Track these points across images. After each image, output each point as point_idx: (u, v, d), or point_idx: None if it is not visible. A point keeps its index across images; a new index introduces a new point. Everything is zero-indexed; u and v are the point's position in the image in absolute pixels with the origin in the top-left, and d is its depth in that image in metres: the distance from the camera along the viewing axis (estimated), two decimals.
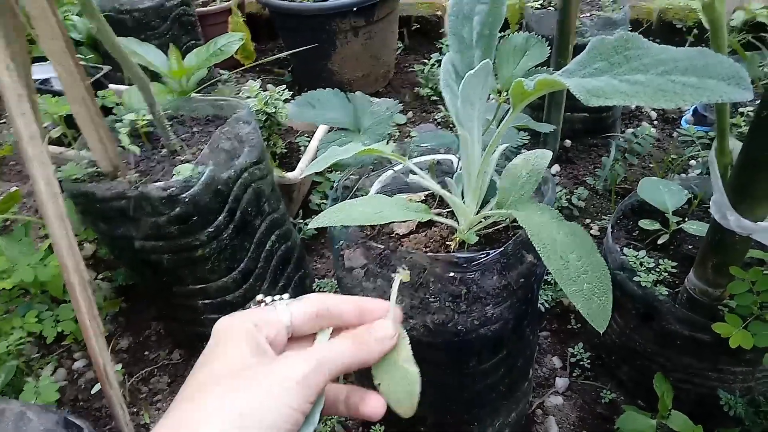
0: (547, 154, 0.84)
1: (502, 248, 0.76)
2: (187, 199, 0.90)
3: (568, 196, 1.52)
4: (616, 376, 1.11)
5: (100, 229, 0.98)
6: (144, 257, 0.98)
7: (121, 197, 0.89)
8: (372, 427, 0.98)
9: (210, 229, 0.96)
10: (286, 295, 0.43)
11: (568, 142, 1.69)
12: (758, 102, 0.68)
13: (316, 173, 1.58)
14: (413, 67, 2.14)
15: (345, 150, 0.83)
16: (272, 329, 0.40)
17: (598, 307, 0.67)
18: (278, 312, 0.41)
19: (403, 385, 0.42)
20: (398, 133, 1.82)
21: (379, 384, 0.42)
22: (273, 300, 0.42)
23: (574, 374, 1.14)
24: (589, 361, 1.14)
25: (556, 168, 1.63)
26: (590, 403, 1.09)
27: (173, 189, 0.88)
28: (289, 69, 2.10)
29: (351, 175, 1.02)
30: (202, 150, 0.97)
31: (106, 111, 1.35)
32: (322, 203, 1.51)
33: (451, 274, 0.77)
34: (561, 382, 1.13)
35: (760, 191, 0.71)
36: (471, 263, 0.76)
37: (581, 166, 1.63)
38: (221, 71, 2.07)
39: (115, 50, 0.87)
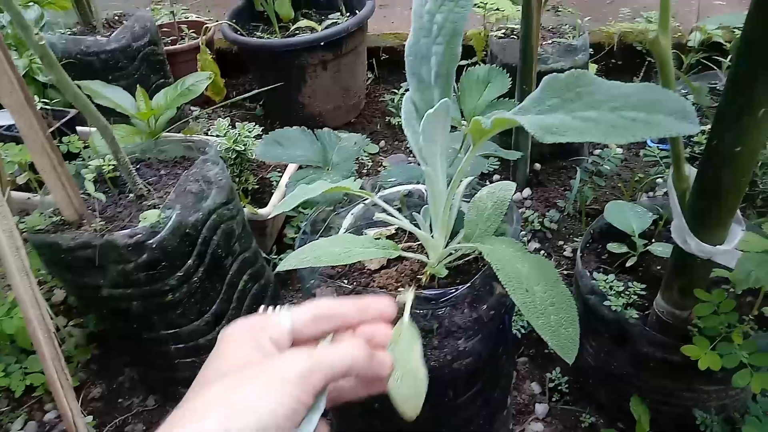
0: (511, 186, 0.85)
1: (469, 283, 0.76)
2: (154, 245, 0.89)
3: (540, 219, 1.53)
4: (595, 399, 1.12)
5: (67, 279, 0.97)
6: (113, 305, 0.96)
7: (87, 246, 0.88)
8: None
9: (179, 274, 0.95)
10: (286, 305, 0.44)
11: (537, 166, 1.72)
12: None
13: (304, 207, 1.58)
14: (384, 97, 2.16)
15: (312, 189, 0.83)
16: (275, 332, 0.41)
17: (566, 339, 0.68)
18: (280, 316, 0.42)
19: (411, 385, 0.43)
20: (371, 163, 1.83)
21: (389, 381, 0.43)
22: (273, 309, 0.43)
23: (554, 399, 1.14)
24: (567, 385, 1.14)
25: (527, 192, 1.65)
26: (570, 428, 1.09)
27: (139, 236, 0.88)
28: (261, 103, 2.10)
29: (322, 210, 1.02)
30: (169, 193, 0.97)
31: (72, 156, 1.34)
32: (297, 237, 1.50)
33: (422, 310, 0.77)
34: (540, 408, 1.12)
35: (716, 216, 0.73)
36: (440, 300, 0.76)
37: (552, 189, 1.66)
38: (192, 108, 2.07)
39: (76, 99, 0.87)
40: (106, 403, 1.22)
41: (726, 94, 0.64)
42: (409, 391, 0.43)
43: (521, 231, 1.54)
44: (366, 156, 1.84)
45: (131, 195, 1.01)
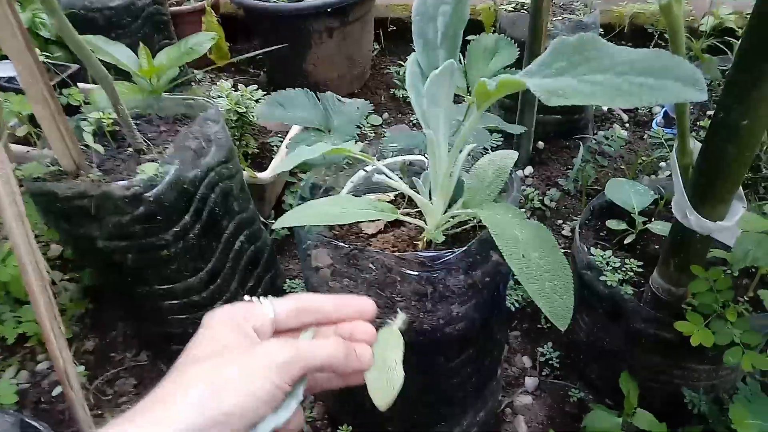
0: (513, 154, 0.85)
1: (465, 247, 0.76)
2: (151, 199, 0.88)
3: (541, 197, 1.53)
4: (585, 375, 1.12)
5: (63, 229, 0.96)
6: (108, 258, 0.96)
7: (83, 196, 0.87)
8: (339, 427, 0.98)
9: (176, 229, 0.95)
10: (269, 297, 0.45)
11: (541, 144, 1.71)
12: None
13: (290, 174, 1.57)
14: (389, 69, 2.14)
15: (312, 150, 0.83)
16: (257, 321, 0.42)
17: (560, 306, 0.67)
18: (263, 306, 0.43)
19: (386, 381, 0.45)
20: (373, 135, 1.82)
21: (367, 372, 0.45)
22: (256, 299, 0.44)
23: (544, 373, 1.15)
24: (558, 360, 1.15)
25: (529, 170, 1.64)
26: (559, 402, 1.10)
27: (137, 188, 0.87)
28: (265, 70, 2.08)
29: (324, 176, 1.02)
30: (168, 149, 0.96)
31: (72, 110, 1.33)
32: (295, 201, 1.50)
33: (417, 273, 0.77)
34: (530, 382, 1.13)
35: (718, 191, 0.72)
36: (435, 262, 0.76)
37: (554, 168, 1.65)
38: (195, 71, 2.05)
39: (78, 47, 0.86)
40: (98, 357, 1.23)
41: (736, 66, 0.63)
42: (384, 387, 0.44)
43: (523, 210, 1.54)
44: (369, 127, 1.82)
45: (130, 149, 1.00)
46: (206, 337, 0.40)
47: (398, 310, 0.51)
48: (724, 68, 1.39)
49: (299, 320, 0.45)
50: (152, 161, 0.93)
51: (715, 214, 0.74)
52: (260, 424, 0.38)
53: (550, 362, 1.15)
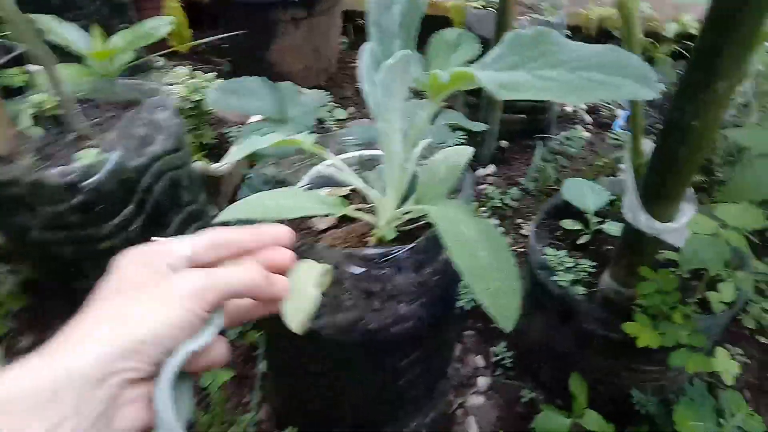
0: (468, 150, 0.83)
1: (413, 244, 0.74)
2: (89, 187, 0.84)
3: (502, 197, 1.52)
4: (537, 375, 1.12)
5: None
6: (44, 249, 0.91)
7: (16, 183, 0.83)
8: (285, 429, 0.95)
9: (117, 221, 0.91)
10: (185, 235, 0.45)
11: (504, 143, 1.70)
12: None
13: (250, 166, 1.53)
14: (356, 63, 2.10)
15: (263, 140, 0.79)
16: (172, 257, 0.41)
17: (506, 306, 0.66)
18: (177, 242, 0.42)
19: (298, 302, 0.45)
20: (337, 129, 1.79)
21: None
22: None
23: (497, 373, 1.14)
24: (511, 360, 1.14)
25: (492, 168, 1.63)
26: (510, 403, 1.09)
27: (74, 176, 0.83)
28: (229, 59, 2.03)
29: (284, 168, 0.99)
30: (111, 135, 0.91)
31: (16, 92, 1.26)
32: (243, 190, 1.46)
33: (362, 270, 0.75)
34: (483, 382, 1.12)
35: (669, 192, 0.72)
36: (381, 259, 0.73)
37: (516, 167, 1.64)
38: (156, 58, 1.99)
39: (16, 25, 0.81)
40: None
41: (689, 67, 0.62)
42: (295, 308, 0.45)
43: (483, 208, 1.53)
44: (333, 121, 1.80)
45: (72, 135, 0.96)
46: (116, 278, 0.39)
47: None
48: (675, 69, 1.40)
49: (217, 254, 0.44)
50: (94, 147, 0.89)
51: (664, 215, 0.74)
52: (178, 349, 0.37)
53: (503, 362, 1.14)
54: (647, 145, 0.76)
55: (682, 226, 0.74)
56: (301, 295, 0.46)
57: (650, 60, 1.59)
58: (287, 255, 0.46)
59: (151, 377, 0.36)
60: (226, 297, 0.40)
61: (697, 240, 0.76)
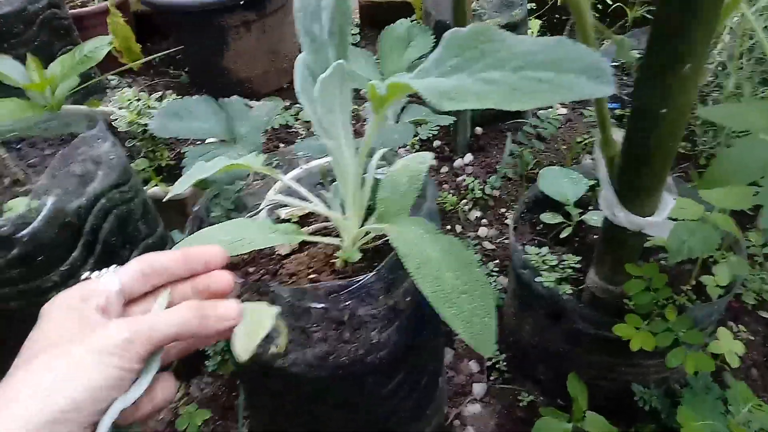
0: (427, 157, 0.77)
1: (375, 271, 0.68)
2: (25, 239, 0.77)
3: (482, 186, 1.46)
4: (534, 376, 1.07)
5: None
6: None
7: None
8: None
9: (64, 268, 0.84)
10: (113, 266, 0.43)
11: (479, 130, 1.63)
12: None
13: (204, 187, 1.46)
14: None
15: (209, 167, 0.74)
16: (101, 298, 0.39)
17: (481, 330, 0.60)
18: (105, 280, 0.41)
19: (249, 327, 0.43)
20: (305, 132, 1.72)
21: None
22: (99, 273, 0.43)
23: (492, 378, 1.09)
24: (505, 363, 1.09)
25: (468, 157, 1.57)
26: (509, 408, 1.04)
27: (5, 228, 0.76)
28: (186, 70, 1.95)
29: (251, 181, 0.93)
30: (40, 179, 0.84)
31: None
32: (223, 217, 1.39)
33: (324, 305, 0.69)
34: (478, 388, 1.07)
35: (645, 184, 0.66)
36: (343, 291, 0.67)
37: (493, 154, 1.58)
38: (110, 77, 1.90)
39: None
40: None
41: (649, 48, 0.56)
42: (246, 331, 0.43)
43: (465, 200, 1.47)
44: (300, 124, 1.72)
45: (7, 180, 0.89)
46: (42, 330, 0.38)
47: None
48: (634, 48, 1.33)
49: (150, 283, 0.42)
50: (27, 194, 0.82)
51: (644, 208, 0.68)
52: (109, 409, 0.36)
53: (498, 366, 1.08)
54: (619, 135, 0.69)
55: (664, 218, 0.68)
56: (253, 325, 0.44)
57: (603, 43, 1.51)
58: (223, 280, 0.44)
59: None
60: (158, 345, 0.38)
61: (684, 228, 0.71)
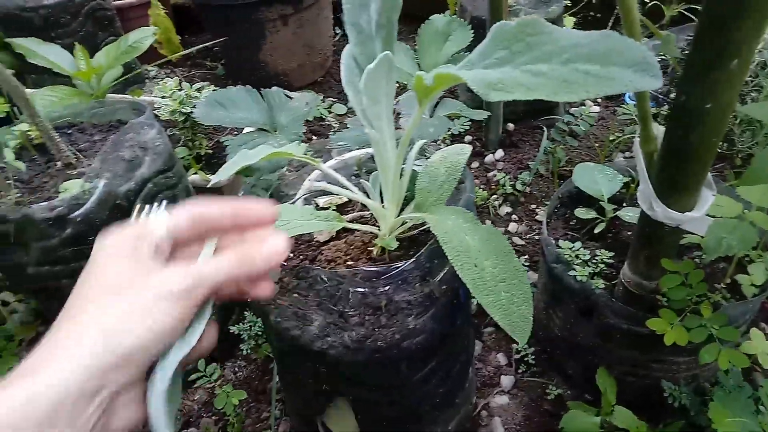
0: (466, 149, 0.78)
1: (414, 258, 0.70)
2: (78, 219, 0.81)
3: (513, 182, 1.47)
4: (562, 370, 1.07)
5: None
6: (42, 284, 0.89)
7: (2, 220, 0.80)
8: None
9: None
10: (164, 203, 0.45)
11: (510, 126, 1.64)
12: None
13: (246, 174, 1.49)
14: None
15: (252, 155, 0.76)
16: (151, 240, 0.40)
17: (518, 317, 0.62)
18: (156, 223, 0.41)
19: None
20: (338, 125, 1.75)
21: None
22: (150, 209, 0.43)
23: (520, 371, 1.10)
24: (534, 356, 1.10)
25: (500, 153, 1.58)
26: (536, 401, 1.05)
27: (60, 209, 0.80)
28: (222, 62, 1.99)
29: (286, 171, 0.95)
30: (94, 162, 0.88)
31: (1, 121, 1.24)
32: None
33: (365, 289, 0.71)
34: (506, 380, 1.08)
35: (685, 181, 0.66)
36: (383, 276, 0.69)
37: (525, 150, 1.58)
38: (149, 68, 1.95)
39: None
40: None
41: (695, 43, 0.56)
42: None
43: (495, 195, 1.48)
44: (332, 117, 1.75)
45: (59, 163, 0.93)
46: (99, 269, 0.39)
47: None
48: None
49: (196, 232, 0.42)
50: (80, 176, 0.85)
51: (683, 204, 0.69)
52: (169, 353, 0.38)
53: (526, 359, 1.09)
54: (659, 130, 0.70)
55: (703, 213, 0.68)
56: None
57: (649, 37, 1.50)
58: (278, 245, 0.43)
59: (142, 379, 0.38)
60: (212, 292, 0.39)
61: (721, 225, 0.71)
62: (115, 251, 0.39)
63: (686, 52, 0.59)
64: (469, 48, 1.04)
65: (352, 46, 0.70)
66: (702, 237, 0.83)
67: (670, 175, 0.67)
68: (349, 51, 0.70)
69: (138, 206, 0.44)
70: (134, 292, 0.37)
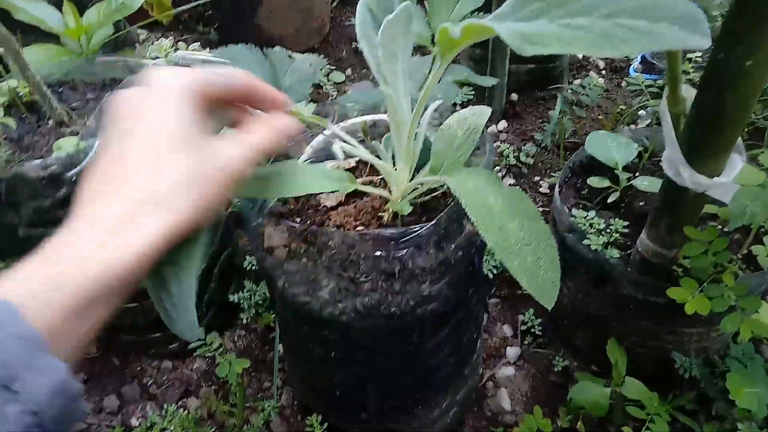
0: (486, 111, 0.75)
1: (434, 221, 0.67)
2: (74, 179, 0.77)
3: (516, 153, 1.44)
4: (569, 342, 1.06)
5: None
6: (33, 246, 0.85)
7: None
8: (309, 417, 0.90)
9: None
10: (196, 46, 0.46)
11: (514, 96, 1.60)
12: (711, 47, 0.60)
13: None
14: (351, 21, 1.99)
15: None
16: (207, 91, 0.39)
17: (545, 282, 0.59)
18: (213, 73, 0.40)
19: None
20: (336, 93, 1.70)
21: None
22: (192, 52, 0.43)
23: (526, 342, 1.08)
24: (540, 327, 1.08)
25: (503, 124, 1.54)
26: (543, 372, 1.04)
27: (54, 167, 0.75)
28: (215, 27, 1.92)
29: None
30: (89, 120, 0.83)
31: None
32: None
33: (382, 252, 0.68)
34: (512, 352, 1.07)
35: (716, 144, 0.64)
36: (401, 240, 0.67)
37: (529, 121, 1.55)
38: (139, 30, 1.88)
39: None
40: None
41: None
42: None
43: (498, 167, 1.45)
44: (330, 85, 1.70)
45: (51, 122, 0.88)
46: (160, 118, 0.36)
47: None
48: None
49: (208, 99, 0.40)
50: (74, 134, 0.81)
51: (711, 169, 0.66)
52: (180, 252, 0.37)
53: (532, 330, 1.08)
54: (688, 92, 0.67)
55: (732, 179, 0.66)
56: None
57: None
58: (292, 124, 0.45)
59: None
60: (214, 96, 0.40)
61: (746, 192, 0.69)
62: (175, 99, 0.37)
63: (729, 6, 0.56)
64: (482, 9, 1.00)
65: None
66: (719, 207, 0.81)
67: (700, 138, 0.65)
68: (364, 2, 0.66)
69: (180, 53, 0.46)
70: (199, 156, 0.36)
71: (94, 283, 0.32)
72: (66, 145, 0.76)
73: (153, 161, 0.35)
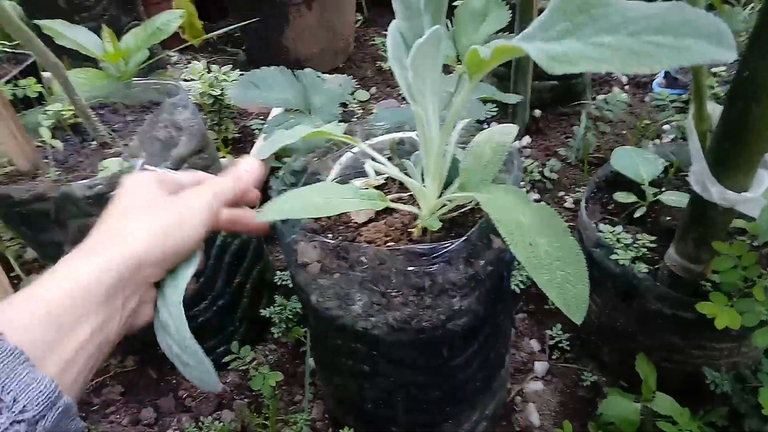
0: (513, 129, 0.77)
1: (465, 237, 0.68)
2: None
3: (540, 169, 1.45)
4: (597, 357, 1.06)
5: (27, 236, 0.89)
6: None
7: (42, 198, 0.79)
8: (340, 430, 0.92)
9: None
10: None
11: (537, 112, 1.62)
12: (735, 61, 0.62)
13: (276, 157, 1.49)
14: (375, 40, 2.03)
15: (290, 134, 0.75)
16: (171, 184, 0.51)
17: (574, 297, 0.60)
18: (167, 173, 0.53)
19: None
20: (361, 111, 1.73)
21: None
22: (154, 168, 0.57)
23: (554, 357, 1.09)
24: (568, 342, 1.08)
25: (526, 140, 1.56)
26: (571, 387, 1.04)
27: (100, 186, 0.79)
28: (243, 48, 1.98)
29: (311, 157, 0.94)
30: (133, 141, 0.87)
31: (32, 102, 1.23)
32: (276, 188, 1.42)
33: (413, 267, 0.70)
34: (540, 367, 1.07)
35: (743, 160, 0.65)
36: (431, 255, 0.68)
37: (552, 137, 1.56)
38: (170, 54, 1.95)
39: (18, 32, 0.77)
40: None
41: (763, 11, 0.54)
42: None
43: (522, 183, 1.46)
44: (355, 103, 1.74)
45: (94, 143, 0.92)
46: (130, 193, 0.47)
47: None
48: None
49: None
50: (117, 155, 0.85)
51: (738, 184, 0.67)
52: (179, 273, 0.45)
53: (560, 345, 1.08)
54: (714, 108, 0.68)
55: (761, 194, 0.67)
56: None
57: (710, 8, 1.47)
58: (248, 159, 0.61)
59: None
60: (224, 205, 0.51)
61: None
62: (143, 186, 0.47)
63: (755, 22, 0.57)
64: (507, 29, 1.03)
65: (399, 21, 0.68)
66: (748, 221, 0.82)
67: (727, 153, 0.65)
68: (395, 26, 0.69)
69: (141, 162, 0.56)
70: (175, 203, 0.46)
71: (65, 295, 0.38)
72: (111, 166, 0.80)
73: (123, 216, 0.45)
